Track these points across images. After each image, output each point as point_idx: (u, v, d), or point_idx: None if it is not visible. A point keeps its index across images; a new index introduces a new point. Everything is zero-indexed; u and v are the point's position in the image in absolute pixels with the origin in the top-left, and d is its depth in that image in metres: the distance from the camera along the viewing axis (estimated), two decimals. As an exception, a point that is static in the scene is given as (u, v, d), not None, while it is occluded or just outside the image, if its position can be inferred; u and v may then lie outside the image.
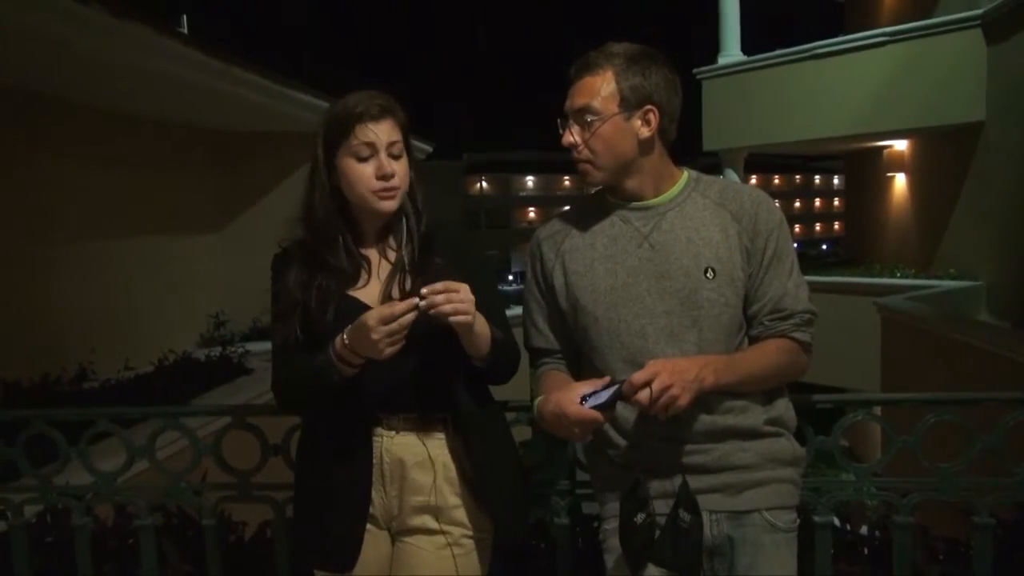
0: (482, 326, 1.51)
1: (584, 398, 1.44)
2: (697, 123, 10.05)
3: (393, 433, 1.59)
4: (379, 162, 1.53)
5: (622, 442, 1.57)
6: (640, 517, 1.49)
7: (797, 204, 53.20)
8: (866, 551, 2.11)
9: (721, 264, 1.53)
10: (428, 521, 1.59)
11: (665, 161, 1.60)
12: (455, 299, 1.42)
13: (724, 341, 1.53)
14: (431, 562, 1.57)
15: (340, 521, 1.59)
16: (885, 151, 10.21)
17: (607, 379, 1.47)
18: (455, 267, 1.53)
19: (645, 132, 1.53)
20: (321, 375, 1.49)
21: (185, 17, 8.50)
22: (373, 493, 1.59)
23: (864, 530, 2.18)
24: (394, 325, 1.39)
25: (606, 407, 1.42)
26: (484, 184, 49.70)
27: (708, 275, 1.52)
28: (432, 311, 1.41)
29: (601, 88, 1.51)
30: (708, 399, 1.49)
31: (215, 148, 7.71)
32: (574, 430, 1.45)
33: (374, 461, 1.58)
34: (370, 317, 1.41)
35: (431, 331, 1.52)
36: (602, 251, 1.59)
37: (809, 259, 13.33)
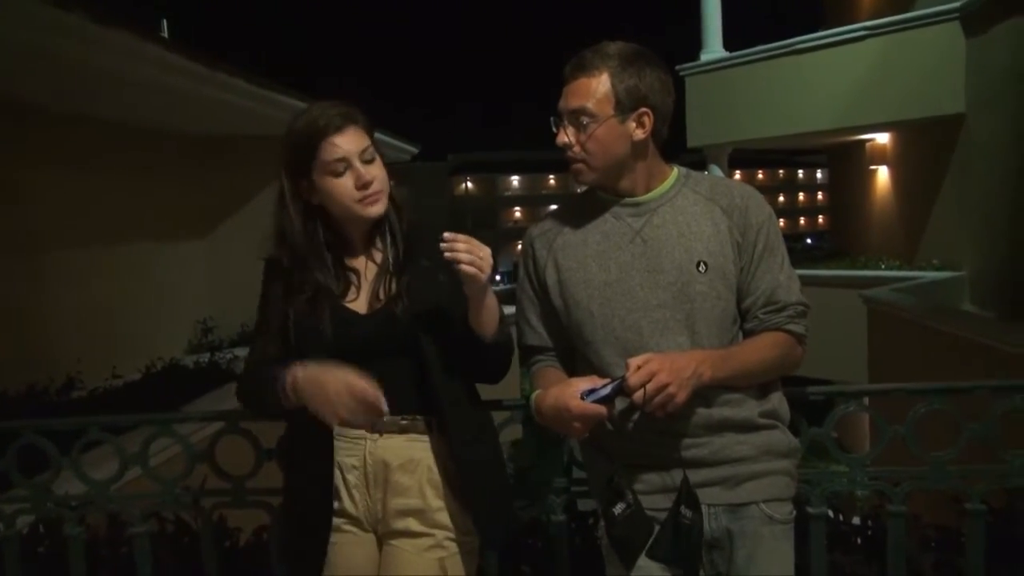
0: (492, 300, 1.53)
1: (584, 394, 1.44)
2: (681, 120, 10.09)
3: (377, 436, 1.58)
4: (356, 173, 1.54)
5: (619, 437, 1.57)
6: (620, 508, 1.50)
7: (781, 199, 53.42)
8: (859, 541, 2.13)
9: (713, 258, 1.54)
10: (412, 524, 1.58)
11: (656, 160, 1.60)
12: (475, 252, 1.44)
13: (718, 335, 1.54)
14: (415, 564, 1.56)
15: (307, 525, 1.61)
16: (867, 144, 10.29)
17: (607, 379, 1.47)
18: (442, 268, 1.53)
19: (639, 134, 1.54)
20: (267, 393, 1.53)
21: (165, 22, 8.46)
22: (356, 495, 1.59)
23: (856, 520, 2.20)
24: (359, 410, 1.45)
25: (606, 401, 1.43)
26: (469, 184, 49.63)
27: (700, 269, 1.53)
28: (449, 255, 1.42)
29: (596, 90, 1.51)
30: (704, 392, 1.49)
31: (201, 153, 7.65)
32: (575, 425, 1.46)
33: (357, 464, 1.58)
34: (341, 388, 1.44)
35: (415, 334, 1.53)
36: (595, 247, 1.60)
37: (795, 253, 13.37)
